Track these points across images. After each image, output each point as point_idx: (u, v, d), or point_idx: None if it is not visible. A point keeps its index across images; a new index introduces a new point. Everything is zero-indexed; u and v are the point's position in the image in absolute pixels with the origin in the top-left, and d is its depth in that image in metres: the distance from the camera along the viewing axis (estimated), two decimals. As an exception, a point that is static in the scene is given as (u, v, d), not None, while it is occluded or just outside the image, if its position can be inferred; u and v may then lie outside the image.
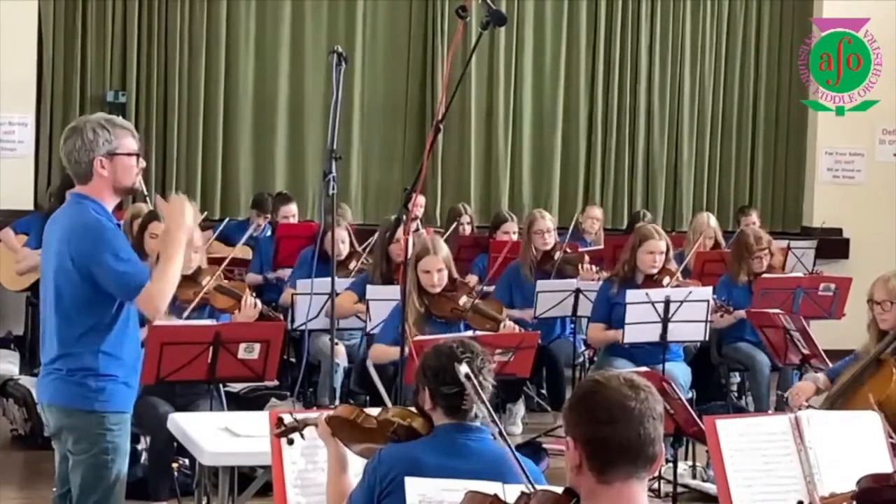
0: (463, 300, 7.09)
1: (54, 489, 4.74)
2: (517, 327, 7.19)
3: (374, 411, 4.02)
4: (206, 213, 11.13)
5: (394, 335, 6.76)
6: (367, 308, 7.42)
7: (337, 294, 5.92)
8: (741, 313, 8.33)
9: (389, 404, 4.67)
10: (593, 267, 8.85)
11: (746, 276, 8.61)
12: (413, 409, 3.93)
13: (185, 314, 6.43)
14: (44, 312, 4.66)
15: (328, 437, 4.03)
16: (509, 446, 3.38)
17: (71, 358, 4.52)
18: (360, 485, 3.81)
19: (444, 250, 7.15)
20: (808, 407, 6.09)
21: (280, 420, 4.18)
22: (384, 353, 6.88)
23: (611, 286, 7.80)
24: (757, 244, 8.65)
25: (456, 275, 7.21)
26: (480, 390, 3.72)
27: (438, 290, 7.04)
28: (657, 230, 7.86)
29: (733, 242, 9.16)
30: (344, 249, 8.29)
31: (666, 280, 7.69)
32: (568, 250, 9.08)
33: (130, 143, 4.59)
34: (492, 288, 8.60)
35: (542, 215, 9.11)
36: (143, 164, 4.68)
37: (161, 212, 5.33)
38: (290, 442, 4.17)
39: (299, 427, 4.15)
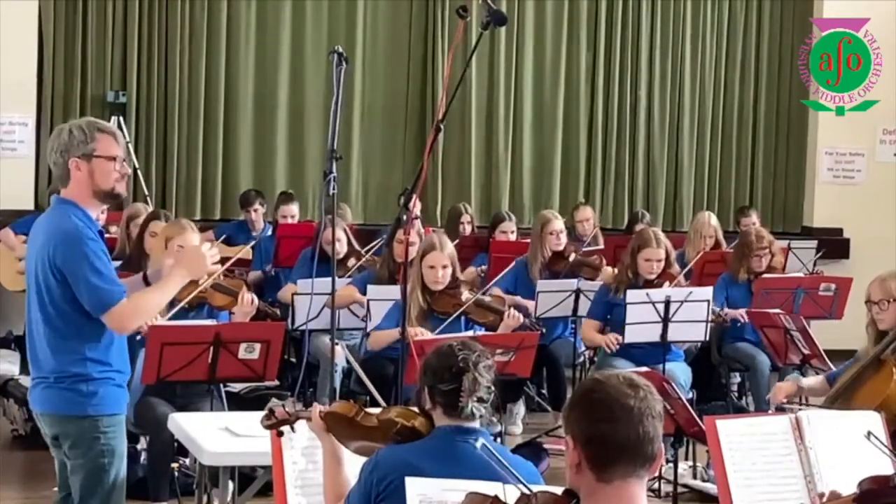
0: (465, 295, 7.10)
1: (55, 489, 4.73)
2: (520, 316, 7.16)
3: (373, 410, 3.99)
4: (205, 213, 11.24)
5: (391, 325, 6.80)
6: (368, 308, 7.42)
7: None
8: (735, 313, 8.34)
9: (380, 400, 4.65)
10: (612, 269, 8.80)
11: (746, 274, 8.62)
12: (415, 408, 3.91)
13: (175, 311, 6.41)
14: (28, 315, 4.61)
15: (322, 433, 4.00)
16: (498, 457, 3.39)
17: (60, 364, 4.48)
18: (357, 486, 3.78)
19: (450, 248, 7.20)
20: (792, 404, 6.10)
21: (270, 412, 4.13)
22: (383, 337, 6.93)
23: (612, 289, 7.80)
24: (758, 242, 8.65)
25: (459, 274, 7.23)
26: (476, 385, 3.73)
27: (441, 287, 7.05)
28: (657, 237, 7.82)
29: (736, 241, 9.15)
30: (341, 249, 8.30)
31: (666, 285, 7.69)
32: (575, 254, 9.05)
33: (111, 147, 4.50)
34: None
35: (556, 216, 9.11)
36: (127, 170, 4.59)
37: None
38: (280, 434, 4.13)
39: (290, 419, 4.11)
